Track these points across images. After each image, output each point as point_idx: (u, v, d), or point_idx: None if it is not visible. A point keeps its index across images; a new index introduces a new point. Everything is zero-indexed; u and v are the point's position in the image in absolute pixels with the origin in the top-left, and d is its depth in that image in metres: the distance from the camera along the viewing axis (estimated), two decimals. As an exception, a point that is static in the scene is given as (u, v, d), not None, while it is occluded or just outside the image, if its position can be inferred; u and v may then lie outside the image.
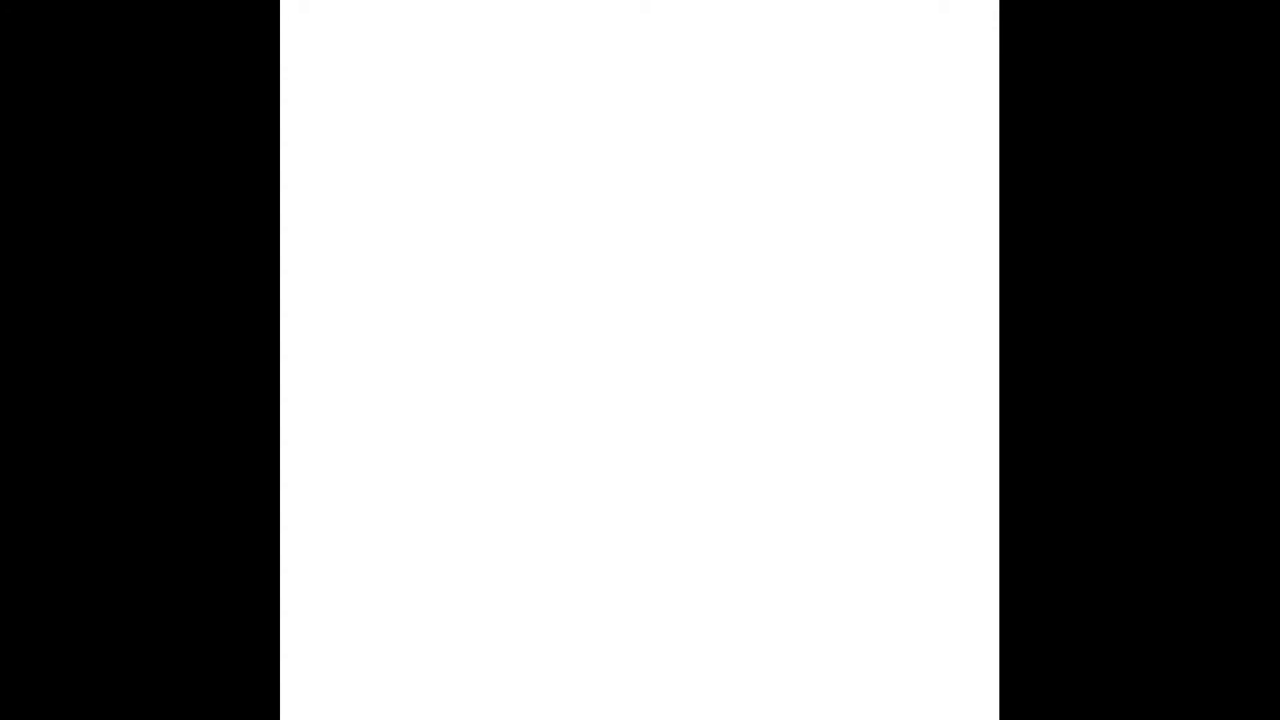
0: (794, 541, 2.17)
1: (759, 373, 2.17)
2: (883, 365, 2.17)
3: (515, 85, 2.18)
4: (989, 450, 2.15)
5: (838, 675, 2.16)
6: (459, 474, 2.17)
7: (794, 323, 2.17)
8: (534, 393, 2.18)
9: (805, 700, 2.17)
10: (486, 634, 2.17)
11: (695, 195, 2.18)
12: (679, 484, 2.17)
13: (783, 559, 2.17)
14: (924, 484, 2.16)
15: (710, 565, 2.17)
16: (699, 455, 2.17)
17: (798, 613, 2.17)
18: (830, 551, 2.17)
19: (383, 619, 2.18)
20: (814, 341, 2.17)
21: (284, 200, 2.17)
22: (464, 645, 2.17)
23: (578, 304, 2.18)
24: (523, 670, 2.18)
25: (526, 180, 2.18)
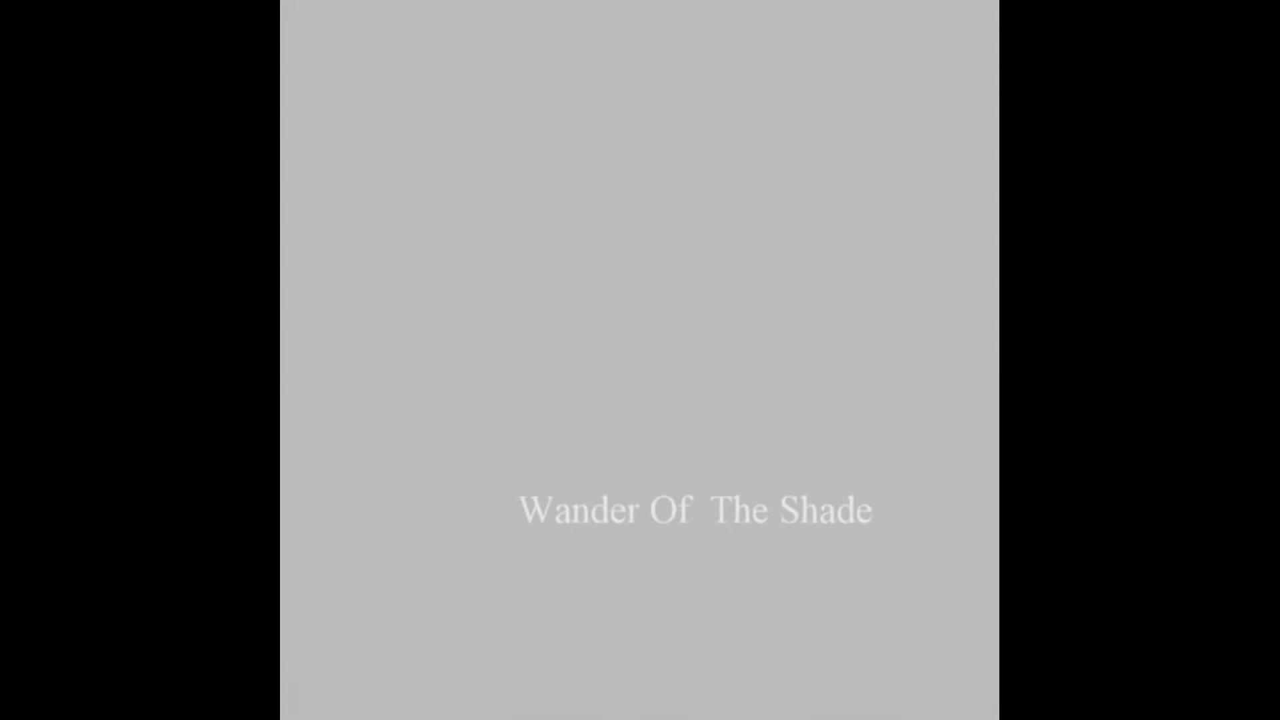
0: (793, 540, 2.17)
1: (758, 371, 2.18)
2: (882, 363, 2.17)
3: (515, 84, 2.19)
4: (989, 449, 2.16)
5: (838, 674, 2.17)
6: (458, 473, 2.18)
7: (794, 322, 2.17)
8: (533, 390, 2.18)
9: (806, 699, 2.17)
10: (485, 634, 2.18)
11: (695, 194, 2.18)
12: (679, 482, 2.17)
13: (782, 558, 2.17)
14: (924, 483, 2.17)
15: (710, 566, 2.17)
16: (698, 454, 2.17)
17: (797, 613, 2.17)
18: (830, 550, 2.17)
19: (382, 620, 2.18)
20: (814, 340, 2.17)
21: (284, 199, 2.17)
22: (463, 645, 2.18)
23: (578, 303, 2.18)
24: (522, 670, 2.18)
25: (526, 179, 2.19)
